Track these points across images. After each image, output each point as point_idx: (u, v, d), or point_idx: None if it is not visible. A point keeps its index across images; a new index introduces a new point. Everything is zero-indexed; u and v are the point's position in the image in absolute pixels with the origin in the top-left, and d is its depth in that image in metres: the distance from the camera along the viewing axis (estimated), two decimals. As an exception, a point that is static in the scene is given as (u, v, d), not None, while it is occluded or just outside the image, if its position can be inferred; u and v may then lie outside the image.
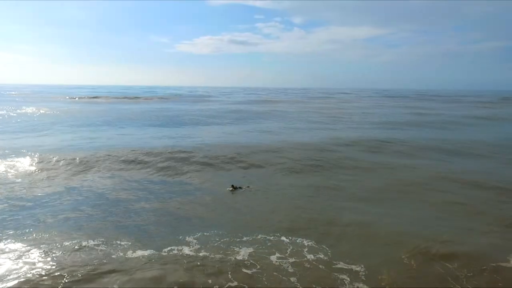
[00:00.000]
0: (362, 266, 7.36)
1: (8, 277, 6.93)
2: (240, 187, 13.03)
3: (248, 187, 13.15)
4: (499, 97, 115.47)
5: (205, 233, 9.02)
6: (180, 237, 8.79)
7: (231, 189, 12.87)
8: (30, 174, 14.65)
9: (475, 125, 34.66)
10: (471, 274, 7.12)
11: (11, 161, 16.27)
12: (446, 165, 16.88)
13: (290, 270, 7.28)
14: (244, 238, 8.74)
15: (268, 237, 8.82)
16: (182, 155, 17.60)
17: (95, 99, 77.97)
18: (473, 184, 13.40)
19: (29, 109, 45.31)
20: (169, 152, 17.96)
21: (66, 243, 8.37)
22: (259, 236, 8.86)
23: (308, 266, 7.49)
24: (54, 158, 16.57)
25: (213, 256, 7.83)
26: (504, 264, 7.48)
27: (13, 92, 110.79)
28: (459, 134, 27.57)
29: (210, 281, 6.90)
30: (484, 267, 7.34)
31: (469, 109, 59.77)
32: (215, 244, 8.39)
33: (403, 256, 7.81)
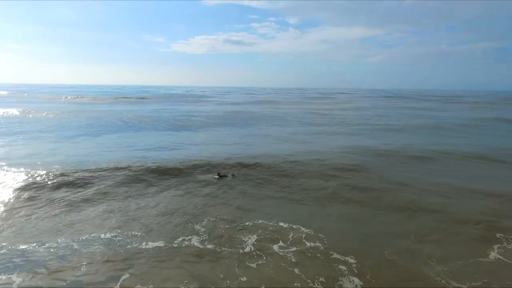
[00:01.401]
0: (353, 257, 8.05)
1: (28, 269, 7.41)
2: (225, 175, 13.94)
3: (233, 175, 14.03)
4: (497, 98, 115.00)
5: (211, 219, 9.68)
6: (189, 224, 9.50)
7: (216, 176, 13.77)
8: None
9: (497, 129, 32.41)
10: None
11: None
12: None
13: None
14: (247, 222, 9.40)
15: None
16: (171, 165, 15.51)
17: (80, 99, 75.46)
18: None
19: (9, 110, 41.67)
20: (160, 167, 15.42)
21: (84, 237, 8.90)
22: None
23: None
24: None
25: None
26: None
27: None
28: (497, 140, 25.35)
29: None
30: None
31: (479, 110, 57.58)
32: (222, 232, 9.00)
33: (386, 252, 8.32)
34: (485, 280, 7.11)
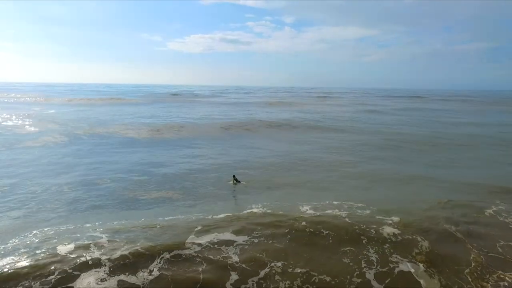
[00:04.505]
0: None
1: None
2: (239, 181, 14.15)
3: (245, 184, 14.09)
4: (502, 97, 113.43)
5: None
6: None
7: (232, 181, 14.11)
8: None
9: None
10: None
11: None
12: None
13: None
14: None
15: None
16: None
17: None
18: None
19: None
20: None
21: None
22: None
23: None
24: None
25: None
26: None
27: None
28: None
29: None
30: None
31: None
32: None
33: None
34: None
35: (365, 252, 7.94)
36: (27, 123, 33.19)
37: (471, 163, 19.01)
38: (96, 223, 9.59)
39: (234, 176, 14.31)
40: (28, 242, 8.30)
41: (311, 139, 26.77)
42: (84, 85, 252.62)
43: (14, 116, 37.44)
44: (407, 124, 38.00)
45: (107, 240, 8.05)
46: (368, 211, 10.23)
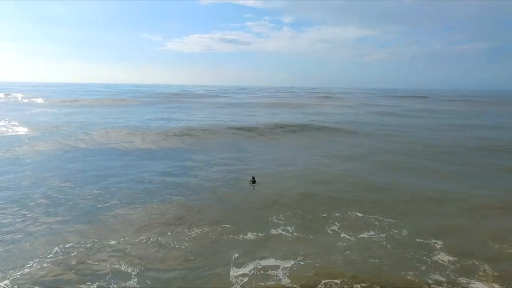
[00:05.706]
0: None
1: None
2: (255, 183, 15.06)
3: (258, 185, 14.92)
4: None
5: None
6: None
7: (250, 181, 15.11)
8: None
9: None
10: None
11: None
12: None
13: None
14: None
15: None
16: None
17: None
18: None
19: None
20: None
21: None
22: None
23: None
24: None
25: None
26: None
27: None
28: None
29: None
30: None
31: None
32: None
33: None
34: None
35: (430, 275, 7.90)
36: (25, 127, 31.91)
37: (501, 172, 18.24)
38: (118, 243, 8.98)
39: (253, 177, 15.27)
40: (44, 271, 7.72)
41: (323, 143, 26.21)
42: (84, 85, 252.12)
43: (8, 119, 36.26)
44: (419, 127, 37.15)
45: (137, 281, 7.56)
46: (405, 231, 9.93)
